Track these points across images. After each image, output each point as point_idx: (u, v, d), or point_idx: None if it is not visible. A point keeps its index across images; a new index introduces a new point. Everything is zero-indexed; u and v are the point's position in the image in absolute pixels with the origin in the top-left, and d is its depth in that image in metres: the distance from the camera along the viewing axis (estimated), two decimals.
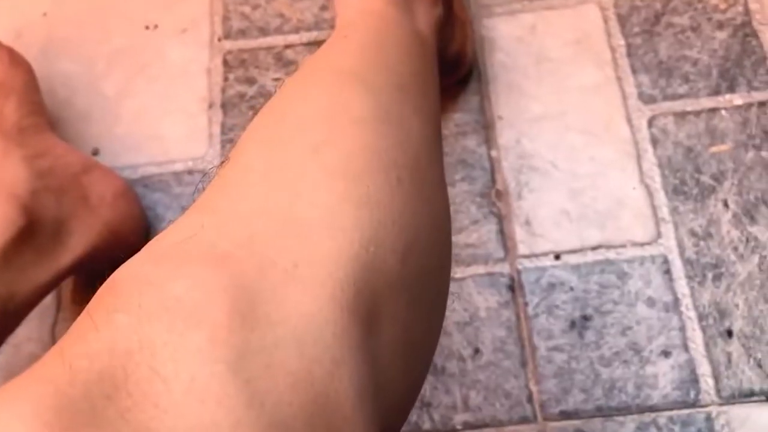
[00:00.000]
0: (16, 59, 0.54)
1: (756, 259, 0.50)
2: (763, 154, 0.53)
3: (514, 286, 0.51)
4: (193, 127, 0.59)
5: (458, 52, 0.53)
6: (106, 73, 0.62)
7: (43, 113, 0.54)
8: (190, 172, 0.57)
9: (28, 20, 0.65)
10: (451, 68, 0.54)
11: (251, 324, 0.22)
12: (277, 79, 0.60)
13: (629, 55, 0.57)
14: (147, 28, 0.63)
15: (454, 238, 0.53)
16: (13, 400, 0.20)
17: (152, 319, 0.22)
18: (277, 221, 0.26)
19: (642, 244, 0.51)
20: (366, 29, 0.39)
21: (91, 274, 0.55)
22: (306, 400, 0.22)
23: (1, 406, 0.20)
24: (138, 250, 0.56)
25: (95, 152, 0.59)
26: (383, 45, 0.38)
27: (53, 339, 0.53)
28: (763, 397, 0.47)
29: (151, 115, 0.60)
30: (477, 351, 0.50)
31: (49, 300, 0.53)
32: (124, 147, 0.59)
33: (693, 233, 0.51)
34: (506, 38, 0.59)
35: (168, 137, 0.59)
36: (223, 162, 0.30)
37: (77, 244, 0.49)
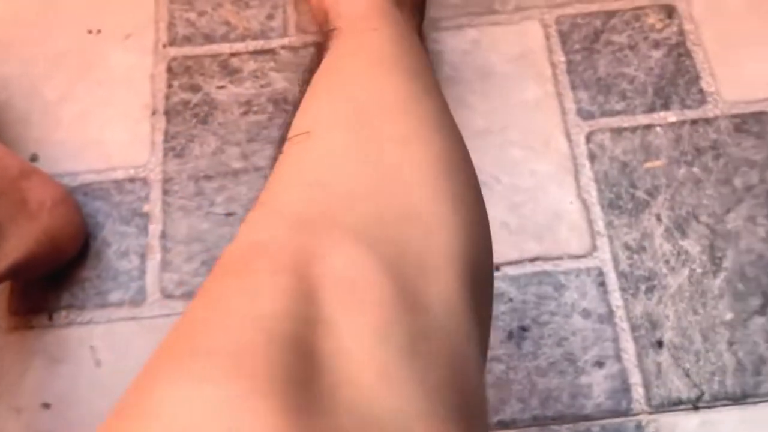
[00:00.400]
0: None
1: (686, 272, 0.52)
2: (695, 170, 0.55)
3: None
4: (135, 134, 0.58)
5: None
6: (47, 77, 0.60)
7: None
8: (131, 180, 0.56)
9: None
10: None
11: (410, 309, 0.23)
12: (221, 87, 0.59)
13: (569, 71, 0.59)
14: (90, 32, 0.62)
15: None
16: (227, 369, 0.19)
17: (321, 291, 0.22)
18: (395, 208, 0.27)
19: (578, 257, 0.53)
20: (389, 24, 0.40)
21: (29, 280, 0.54)
22: (458, 392, 0.23)
23: (217, 377, 0.19)
24: (78, 257, 0.55)
25: (34, 158, 0.57)
26: (408, 41, 0.40)
27: None
28: (690, 406, 0.48)
29: (93, 121, 0.59)
30: None
31: None
32: (64, 153, 0.58)
33: (627, 246, 0.53)
34: (452, 52, 0.60)
35: (109, 144, 0.58)
36: (295, 135, 0.31)
37: (13, 249, 0.48)
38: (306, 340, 0.21)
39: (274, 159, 0.31)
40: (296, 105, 0.35)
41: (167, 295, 0.53)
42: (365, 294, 0.22)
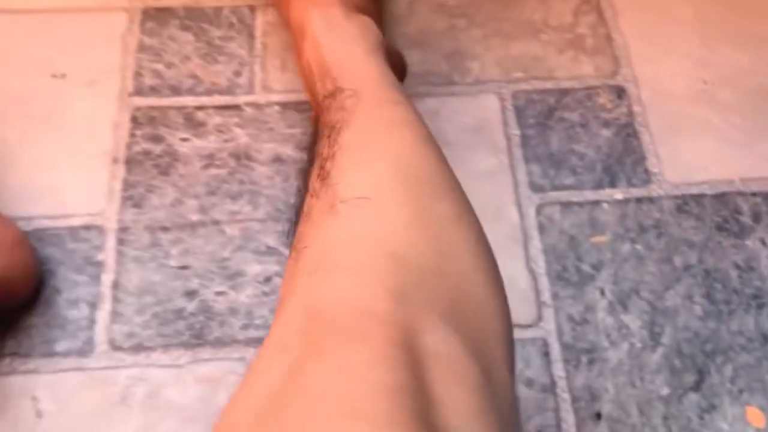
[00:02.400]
0: None
1: (626, 346, 0.54)
2: (638, 247, 0.57)
3: None
4: (93, 181, 0.58)
5: None
6: (5, 119, 0.60)
7: None
8: (86, 227, 0.56)
9: None
10: None
11: (493, 389, 0.26)
12: (185, 140, 0.60)
13: (523, 144, 0.61)
14: (54, 76, 0.62)
15: None
16: None
17: (428, 369, 0.24)
18: (464, 293, 0.30)
19: (524, 326, 0.54)
20: (404, 94, 0.44)
21: None
22: None
23: None
24: (28, 302, 0.55)
25: None
26: (405, 105, 0.44)
27: None
28: None
29: (51, 165, 0.59)
30: None
31: None
32: (20, 196, 0.57)
33: (571, 318, 0.55)
34: None
35: (67, 190, 0.58)
36: (353, 198, 0.33)
37: None
38: (427, 413, 0.23)
39: (293, 223, 0.33)
40: (307, 166, 0.38)
41: (116, 347, 0.52)
42: (462, 374, 0.25)
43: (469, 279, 0.31)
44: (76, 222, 0.56)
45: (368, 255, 0.30)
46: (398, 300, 0.27)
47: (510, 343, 0.31)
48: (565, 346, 0.54)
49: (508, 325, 0.32)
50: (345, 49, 0.48)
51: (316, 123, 0.46)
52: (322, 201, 0.34)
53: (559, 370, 0.53)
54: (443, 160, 0.39)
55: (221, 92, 0.62)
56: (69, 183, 0.58)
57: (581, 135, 0.62)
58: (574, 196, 0.59)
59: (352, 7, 0.53)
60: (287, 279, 0.33)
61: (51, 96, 0.61)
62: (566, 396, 0.52)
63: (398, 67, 0.57)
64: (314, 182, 0.37)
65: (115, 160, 0.59)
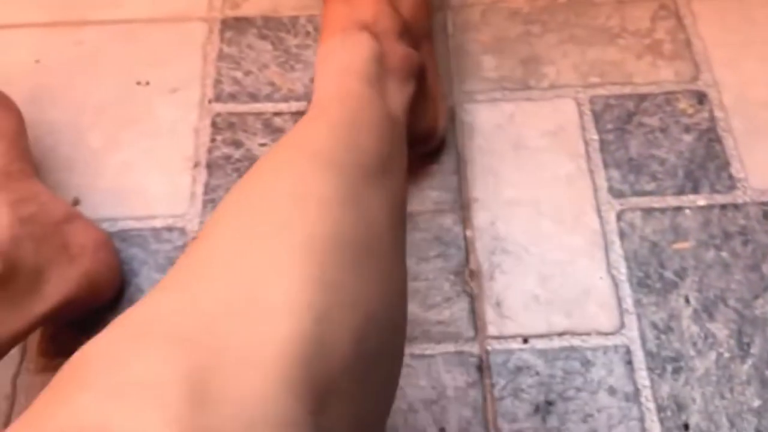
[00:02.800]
0: (6, 105, 0.54)
1: (713, 355, 0.52)
2: (723, 254, 0.56)
3: (482, 367, 0.52)
4: (176, 184, 0.59)
5: (429, 128, 0.56)
6: (93, 125, 0.62)
7: (29, 159, 0.54)
8: (169, 228, 0.58)
9: (20, 66, 0.65)
10: (421, 141, 0.57)
11: (208, 405, 0.23)
12: (263, 145, 0.61)
13: (602, 149, 0.60)
14: (138, 83, 0.64)
15: (426, 314, 0.54)
16: None
17: (114, 398, 0.23)
18: (238, 305, 0.28)
19: (606, 334, 0.53)
20: (339, 110, 0.41)
21: (61, 324, 0.54)
22: None
23: None
24: (112, 302, 0.57)
25: (76, 202, 0.59)
26: (353, 125, 0.40)
27: (14, 389, 0.52)
28: None
29: (135, 169, 0.60)
30: (442, 430, 0.50)
31: (14, 349, 0.52)
32: (105, 199, 0.59)
33: (655, 326, 0.53)
34: (486, 124, 0.62)
35: (150, 193, 0.59)
36: (194, 238, 0.32)
37: (54, 292, 0.49)
38: None
39: None
40: None
41: None
42: (151, 397, 0.23)
43: (259, 289, 0.29)
44: (159, 224, 0.58)
45: (145, 298, 0.30)
46: (120, 336, 0.27)
47: (315, 348, 0.28)
48: (648, 354, 0.52)
49: (325, 329, 0.28)
50: (328, 77, 0.46)
51: None
52: None
53: (643, 378, 0.51)
54: (315, 172, 0.35)
55: (298, 98, 0.63)
56: (153, 186, 0.60)
57: (661, 140, 0.61)
58: (655, 201, 0.58)
59: (388, 32, 0.51)
60: None
61: (136, 103, 0.63)
62: (651, 405, 0.51)
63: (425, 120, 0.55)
64: None
65: (196, 165, 0.60)
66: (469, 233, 0.57)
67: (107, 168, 0.60)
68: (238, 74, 0.65)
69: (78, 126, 0.62)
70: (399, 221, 0.38)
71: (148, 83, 0.64)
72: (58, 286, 0.49)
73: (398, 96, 0.47)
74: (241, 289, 0.28)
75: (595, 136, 0.61)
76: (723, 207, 0.58)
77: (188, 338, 0.26)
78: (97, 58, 0.66)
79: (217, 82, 0.64)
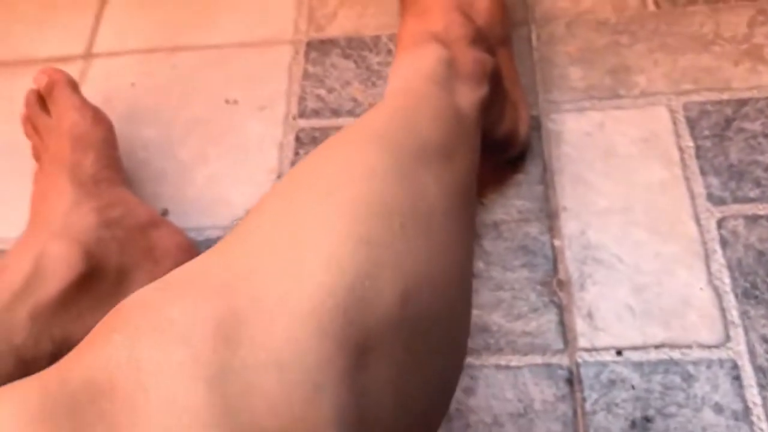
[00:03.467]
0: (98, 117, 0.57)
1: None
2: None
3: (572, 380, 0.49)
4: (260, 195, 0.60)
5: (509, 132, 0.55)
6: (183, 140, 0.65)
7: (118, 168, 0.57)
8: None
9: (118, 88, 0.69)
10: (501, 147, 0.55)
11: (235, 346, 0.23)
12: None
13: (698, 156, 0.57)
14: (227, 102, 0.66)
15: (511, 325, 0.52)
16: (2, 400, 0.22)
17: (143, 337, 0.23)
18: (279, 256, 0.27)
19: (709, 347, 0.49)
20: (402, 100, 0.41)
21: None
22: (282, 423, 0.22)
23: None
24: None
25: (165, 212, 0.60)
26: (414, 112, 0.40)
27: None
28: None
29: (222, 182, 0.62)
30: None
31: None
32: (193, 210, 0.60)
33: (765, 339, 0.49)
34: (573, 132, 0.60)
35: (235, 203, 0.60)
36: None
37: None
38: (100, 382, 0.22)
39: None
40: None
41: None
42: (180, 335, 0.23)
43: (294, 247, 0.29)
44: None
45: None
46: (162, 288, 0.27)
47: (342, 308, 0.27)
48: (759, 370, 0.48)
49: (353, 289, 0.27)
50: (396, 81, 0.46)
51: None
52: None
53: (753, 395, 0.47)
54: (368, 146, 0.35)
55: None
56: (238, 197, 0.61)
57: (765, 146, 0.57)
58: (760, 209, 0.54)
59: (460, 40, 0.50)
60: None
61: (224, 120, 0.65)
62: (764, 426, 0.46)
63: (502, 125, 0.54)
64: None
65: (279, 176, 0.61)
66: (557, 242, 0.55)
67: (195, 180, 0.62)
68: (322, 92, 0.66)
69: (169, 141, 0.65)
70: (460, 209, 0.37)
71: (236, 101, 0.66)
72: (142, 287, 0.50)
73: (470, 96, 0.47)
74: (283, 244, 0.28)
75: (691, 143, 0.58)
76: None
77: (225, 285, 0.25)
78: (190, 80, 0.68)
79: (302, 99, 0.66)
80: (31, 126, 0.59)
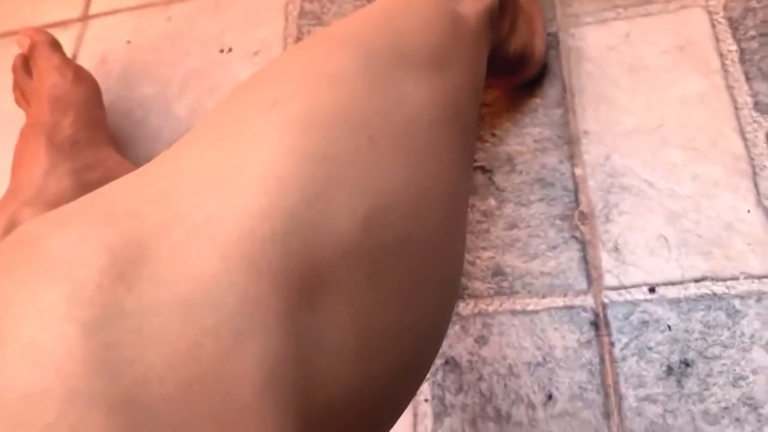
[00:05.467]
0: (79, 76, 0.54)
1: None
2: None
3: (598, 323, 0.43)
4: None
5: (524, 49, 0.48)
6: (178, 96, 0.61)
7: (101, 127, 0.54)
8: None
9: (113, 47, 0.66)
10: (514, 67, 0.48)
11: (129, 283, 0.18)
12: None
13: (742, 61, 0.49)
14: (221, 51, 0.62)
15: (527, 265, 0.46)
16: None
17: (14, 274, 0.19)
18: (203, 176, 0.22)
19: (759, 277, 0.42)
20: (390, 2, 0.35)
21: None
22: (186, 377, 0.18)
23: None
24: None
25: None
26: (402, 15, 0.33)
27: None
28: None
29: None
30: (550, 397, 0.42)
31: None
32: None
33: None
34: (595, 48, 0.53)
35: None
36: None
37: None
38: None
39: None
40: None
41: None
42: (60, 272, 0.19)
43: (225, 163, 0.23)
44: None
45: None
46: (60, 220, 0.22)
47: (284, 222, 0.22)
48: None
49: (300, 200, 0.22)
50: None
51: None
52: None
53: None
54: (344, 49, 0.29)
55: None
56: None
57: None
58: None
59: None
60: None
61: (219, 70, 0.61)
62: None
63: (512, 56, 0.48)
64: None
65: None
66: (578, 171, 0.49)
67: None
68: (319, 29, 0.61)
69: (165, 98, 0.61)
70: (451, 125, 0.31)
71: (231, 49, 0.62)
72: None
73: (475, 3, 0.41)
74: (211, 164, 0.23)
75: (734, 47, 0.50)
76: None
77: (130, 212, 0.21)
78: (184, 32, 0.65)
79: (298, 39, 0.61)
80: (20, 92, 0.57)
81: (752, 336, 0.41)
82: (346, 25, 0.32)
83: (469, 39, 0.38)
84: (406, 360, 0.26)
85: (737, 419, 0.39)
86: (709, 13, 0.52)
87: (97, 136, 0.52)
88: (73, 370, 0.17)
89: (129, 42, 0.66)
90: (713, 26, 0.51)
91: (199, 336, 0.18)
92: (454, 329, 0.45)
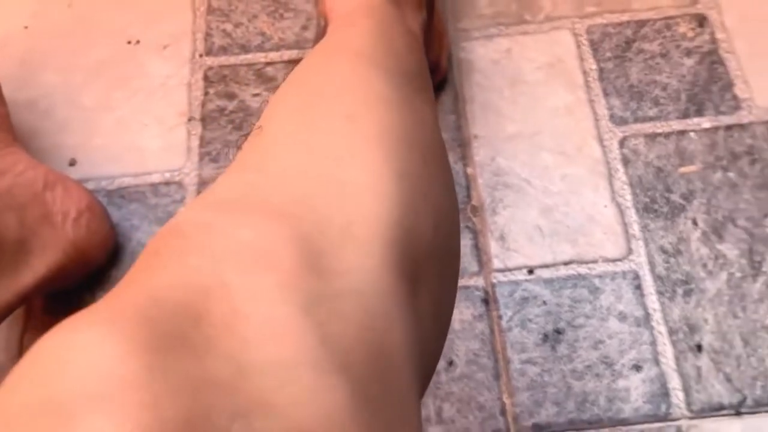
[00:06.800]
0: None
1: (724, 276, 0.51)
2: (730, 175, 0.54)
3: (488, 300, 0.51)
4: (171, 139, 0.59)
5: (435, 61, 0.55)
6: (85, 85, 0.62)
7: (4, 126, 0.53)
8: (166, 183, 0.57)
9: (10, 32, 0.65)
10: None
11: (318, 273, 0.23)
12: (257, 95, 0.60)
13: (601, 78, 0.59)
14: (129, 42, 0.64)
15: None
16: (100, 321, 0.20)
17: (224, 262, 0.22)
18: (326, 182, 0.27)
19: (613, 260, 0.52)
20: (371, 18, 0.40)
21: (57, 292, 0.53)
22: (368, 348, 0.22)
23: (89, 325, 0.19)
24: (106, 266, 0.55)
25: (72, 163, 0.58)
26: (388, 33, 0.39)
27: (21, 348, 0.52)
28: (732, 411, 0.47)
29: (130, 127, 0.60)
30: (451, 363, 0.50)
31: (20, 310, 0.52)
32: (102, 158, 0.59)
33: (663, 250, 0.52)
34: (483, 60, 0.60)
35: (146, 149, 0.59)
36: (252, 130, 0.31)
37: (40, 263, 0.48)
38: (195, 305, 0.21)
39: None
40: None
41: None
42: (266, 260, 0.22)
43: (344, 171, 0.28)
44: (156, 179, 0.57)
45: (222, 179, 0.29)
46: (212, 208, 0.26)
47: (408, 236, 0.28)
48: (658, 278, 0.51)
49: (413, 219, 0.28)
50: None
51: None
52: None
53: (653, 302, 0.50)
54: (372, 71, 0.35)
55: (289, 47, 0.62)
56: (148, 143, 0.59)
57: (662, 65, 0.59)
58: (658, 127, 0.57)
59: None
60: None
61: (126, 61, 0.63)
62: (662, 329, 0.50)
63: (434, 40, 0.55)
64: None
65: (190, 119, 0.60)
66: (470, 170, 0.56)
67: (102, 127, 0.60)
68: (228, 26, 0.64)
69: (71, 87, 0.62)
70: (440, 135, 0.38)
71: (138, 42, 0.64)
72: (43, 257, 0.48)
73: (414, 20, 0.47)
74: (324, 169, 0.28)
75: (594, 66, 0.60)
76: (729, 128, 0.56)
77: (285, 211, 0.25)
78: (87, 20, 0.65)
79: (208, 36, 0.64)
80: None
81: (608, 308, 0.51)
82: (356, 42, 0.37)
83: (422, 52, 0.44)
84: (444, 335, 0.34)
85: (597, 374, 0.49)
86: (575, 35, 0.61)
87: (2, 138, 0.51)
88: (308, 343, 0.20)
89: (27, 27, 0.65)
90: (578, 47, 0.60)
91: (371, 316, 0.23)
92: None
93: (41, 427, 0.17)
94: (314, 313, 0.22)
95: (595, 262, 0.52)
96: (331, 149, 0.29)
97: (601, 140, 0.56)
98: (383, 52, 0.37)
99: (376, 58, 0.36)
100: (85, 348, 0.18)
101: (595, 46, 0.60)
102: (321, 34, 0.45)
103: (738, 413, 0.47)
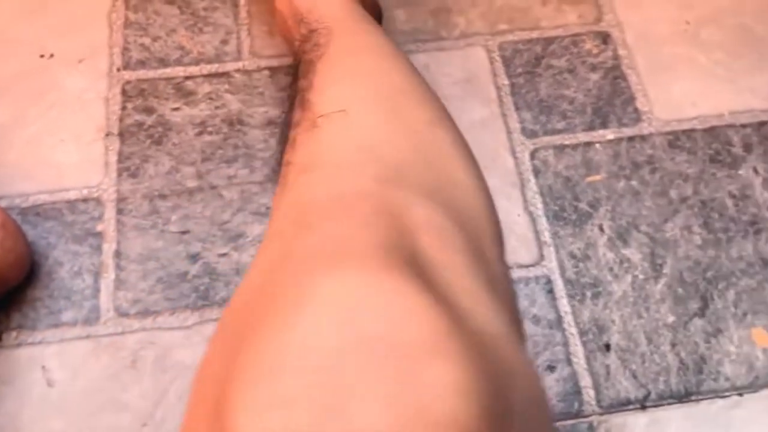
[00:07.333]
0: None
1: (629, 278, 0.54)
2: (633, 183, 0.58)
3: None
4: (88, 155, 0.58)
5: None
6: None
7: None
8: (84, 200, 0.56)
9: None
10: None
11: (481, 258, 0.29)
12: (176, 109, 0.60)
13: (513, 93, 0.62)
14: (42, 56, 0.62)
15: None
16: (377, 266, 0.23)
17: (419, 233, 0.26)
18: (446, 180, 0.31)
19: (527, 266, 0.55)
20: (375, 25, 0.46)
21: None
22: (514, 321, 0.30)
23: (374, 270, 0.22)
24: (23, 284, 0.55)
25: None
26: (392, 55, 0.44)
27: None
28: (638, 405, 0.50)
29: (45, 143, 0.59)
30: None
31: None
32: (16, 175, 0.57)
33: (572, 255, 0.55)
34: None
35: (62, 165, 0.58)
36: (331, 112, 0.34)
37: None
38: (419, 267, 0.24)
39: (282, 143, 0.35)
40: (290, 102, 0.39)
41: (122, 314, 0.52)
42: (451, 240, 0.26)
43: (451, 169, 0.33)
44: (73, 195, 0.56)
45: (350, 153, 0.31)
46: (381, 183, 0.29)
47: (496, 224, 0.33)
48: (568, 282, 0.54)
49: (492, 211, 0.34)
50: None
51: (295, 69, 0.46)
52: (303, 125, 0.35)
53: (564, 305, 0.53)
54: (415, 73, 0.41)
55: (209, 61, 0.63)
56: (64, 158, 0.58)
57: (569, 80, 0.62)
58: (566, 139, 0.60)
59: None
60: (277, 196, 0.34)
61: (42, 76, 0.61)
62: (574, 330, 0.52)
63: (373, 9, 0.58)
64: (296, 115, 0.37)
65: (108, 134, 0.59)
66: None
67: (16, 143, 0.58)
68: (146, 40, 0.63)
69: None
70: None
71: (52, 55, 0.62)
72: None
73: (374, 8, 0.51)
74: (440, 170, 0.32)
75: (506, 81, 0.62)
76: (630, 139, 0.60)
77: (439, 200, 0.29)
78: None
79: (125, 50, 0.63)
80: None
81: (524, 312, 0.53)
82: (388, 46, 0.43)
83: None
84: None
85: None
86: (488, 51, 0.64)
87: None
88: (500, 319, 0.25)
89: None
90: (491, 63, 0.63)
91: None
92: None
93: (384, 366, 0.19)
94: (495, 292, 0.26)
95: (510, 268, 0.55)
96: (431, 147, 0.33)
97: (513, 152, 0.59)
98: (407, 59, 0.43)
99: (411, 66, 0.41)
100: (387, 292, 0.21)
101: (507, 62, 0.63)
102: (305, 39, 0.46)
103: (643, 407, 0.50)
